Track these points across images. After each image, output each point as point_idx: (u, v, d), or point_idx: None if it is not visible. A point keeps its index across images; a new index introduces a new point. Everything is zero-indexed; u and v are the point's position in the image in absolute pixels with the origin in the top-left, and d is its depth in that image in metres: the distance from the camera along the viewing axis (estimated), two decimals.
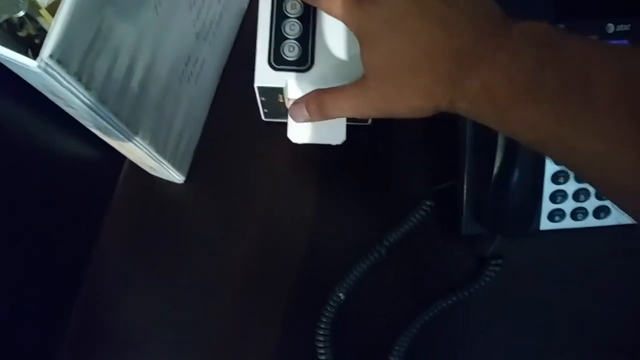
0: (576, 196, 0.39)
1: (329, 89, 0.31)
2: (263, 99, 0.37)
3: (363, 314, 0.40)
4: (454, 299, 0.40)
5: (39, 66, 0.19)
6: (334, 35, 0.34)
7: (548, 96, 0.22)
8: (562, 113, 0.22)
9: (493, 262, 0.40)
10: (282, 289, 0.40)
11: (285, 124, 0.37)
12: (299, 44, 0.35)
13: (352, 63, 0.34)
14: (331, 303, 0.39)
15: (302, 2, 0.35)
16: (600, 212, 0.39)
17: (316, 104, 0.31)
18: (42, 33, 0.23)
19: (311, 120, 0.33)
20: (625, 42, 0.37)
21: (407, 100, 0.27)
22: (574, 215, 0.39)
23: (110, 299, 0.40)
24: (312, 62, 0.35)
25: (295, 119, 0.33)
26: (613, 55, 0.22)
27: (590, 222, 0.39)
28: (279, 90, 0.36)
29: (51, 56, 0.19)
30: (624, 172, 0.21)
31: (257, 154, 0.42)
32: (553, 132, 0.22)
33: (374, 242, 0.40)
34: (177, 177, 0.39)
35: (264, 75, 0.35)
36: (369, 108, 0.29)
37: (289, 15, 0.35)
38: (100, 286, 0.40)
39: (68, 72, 0.21)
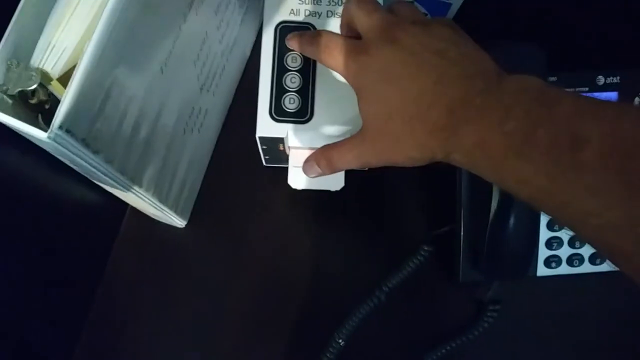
0: (572, 243, 0.39)
1: (333, 144, 0.32)
2: (264, 147, 0.38)
3: None
4: (453, 344, 0.40)
5: (49, 137, 0.20)
6: (333, 88, 0.36)
7: (540, 153, 0.22)
8: (554, 170, 0.22)
9: (491, 307, 0.40)
10: (282, 334, 0.40)
11: (286, 169, 0.38)
12: (299, 96, 0.36)
13: (350, 115, 0.35)
14: (330, 349, 0.39)
15: (303, 55, 0.36)
16: (596, 258, 0.40)
17: (325, 161, 0.32)
18: (53, 98, 0.24)
19: (323, 175, 0.34)
20: (615, 93, 0.38)
21: (404, 150, 0.28)
22: (570, 261, 0.40)
23: (113, 343, 0.40)
24: (312, 114, 0.36)
25: (309, 175, 0.34)
26: (603, 114, 0.22)
27: (586, 268, 0.40)
28: (280, 140, 0.37)
29: (61, 127, 0.20)
30: (616, 231, 0.21)
31: (258, 199, 0.43)
32: (545, 188, 0.22)
33: (373, 287, 0.40)
34: (179, 222, 0.40)
35: (266, 126, 0.36)
36: (370, 157, 0.30)
37: (289, 68, 0.36)
38: (103, 331, 0.40)
39: (76, 140, 0.22)
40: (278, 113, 0.36)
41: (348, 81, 0.31)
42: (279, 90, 0.36)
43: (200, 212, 0.42)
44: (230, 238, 0.42)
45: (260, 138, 0.36)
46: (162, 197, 0.34)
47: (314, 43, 0.33)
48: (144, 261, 0.41)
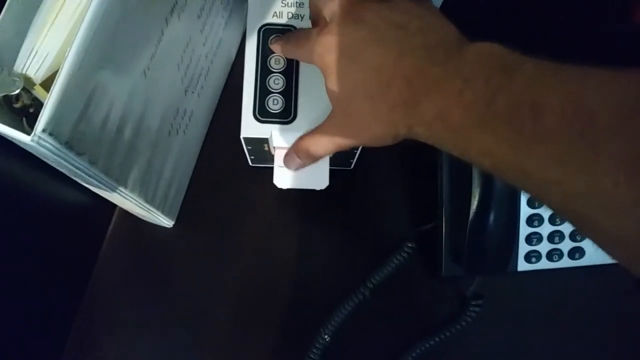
0: (551, 238, 0.40)
1: (307, 132, 0.33)
2: (249, 147, 0.39)
3: (347, 356, 0.41)
4: (437, 339, 0.41)
5: (32, 140, 0.21)
6: (316, 89, 0.36)
7: (500, 123, 0.21)
8: (516, 139, 0.21)
9: (473, 302, 0.41)
10: (269, 331, 0.41)
11: (271, 168, 0.38)
12: (282, 97, 0.37)
13: None
14: (317, 345, 0.40)
15: (286, 57, 0.37)
16: (575, 253, 0.41)
17: (303, 150, 0.33)
18: (37, 102, 0.24)
19: (304, 166, 0.34)
20: None
21: (369, 128, 0.28)
22: (550, 256, 0.41)
23: (100, 342, 0.41)
24: (295, 114, 0.36)
25: (290, 168, 0.35)
26: (564, 78, 0.21)
27: (566, 262, 0.41)
28: (265, 141, 0.37)
29: (44, 130, 0.21)
30: (581, 198, 0.20)
31: (244, 198, 0.43)
32: (508, 158, 0.22)
33: (358, 283, 0.41)
34: (166, 222, 0.41)
35: (250, 127, 0.36)
36: (341, 139, 0.30)
37: (273, 70, 0.37)
38: (91, 331, 0.40)
39: (60, 142, 0.22)
40: (262, 114, 0.37)
41: (317, 65, 0.30)
42: (262, 92, 0.37)
43: (188, 212, 0.42)
44: (217, 237, 0.43)
45: (245, 139, 0.37)
46: (148, 198, 0.35)
47: (290, 41, 0.33)
48: (132, 261, 0.42)
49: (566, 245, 0.40)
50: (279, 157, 0.38)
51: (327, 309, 0.40)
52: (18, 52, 0.23)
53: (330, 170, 0.37)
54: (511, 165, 0.22)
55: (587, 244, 0.40)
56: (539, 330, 0.42)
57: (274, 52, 0.37)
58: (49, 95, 0.21)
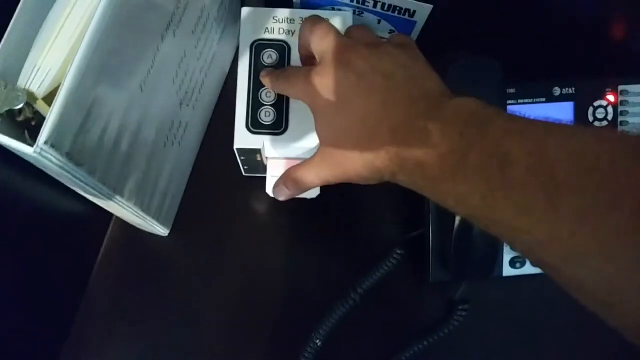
0: None
1: (296, 166, 0.34)
2: (242, 158, 0.40)
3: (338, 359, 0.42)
4: (425, 343, 0.42)
5: (35, 152, 0.22)
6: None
7: (473, 174, 0.23)
8: (485, 190, 0.23)
9: (460, 307, 0.42)
10: (262, 336, 0.42)
11: (264, 178, 0.40)
12: (274, 110, 0.38)
13: None
14: (308, 349, 0.40)
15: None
16: None
17: (291, 182, 0.34)
18: (38, 116, 0.26)
19: (293, 196, 0.35)
20: (571, 103, 0.41)
21: (356, 170, 0.29)
22: None
23: (97, 349, 0.41)
24: (287, 126, 0.38)
25: (279, 198, 0.36)
26: (530, 134, 0.23)
27: None
28: (257, 151, 0.39)
29: (46, 142, 0.22)
30: (544, 247, 0.21)
31: (237, 207, 0.45)
32: (480, 207, 0.23)
33: (348, 289, 0.42)
34: (162, 231, 0.42)
35: (243, 138, 0.38)
36: (328, 175, 0.31)
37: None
38: (87, 334, 0.41)
39: (61, 154, 0.23)
40: (255, 126, 0.38)
41: (307, 104, 0.32)
42: (255, 104, 0.38)
43: (183, 221, 0.43)
44: (211, 245, 0.44)
45: (238, 149, 0.38)
46: (145, 207, 0.36)
47: (280, 78, 0.34)
48: (129, 268, 0.43)
49: None
50: (271, 167, 0.39)
51: (319, 315, 0.41)
52: (21, 68, 0.24)
53: None
54: (483, 213, 0.24)
55: None
56: (524, 334, 0.43)
57: (266, 67, 0.39)
58: (50, 110, 0.22)
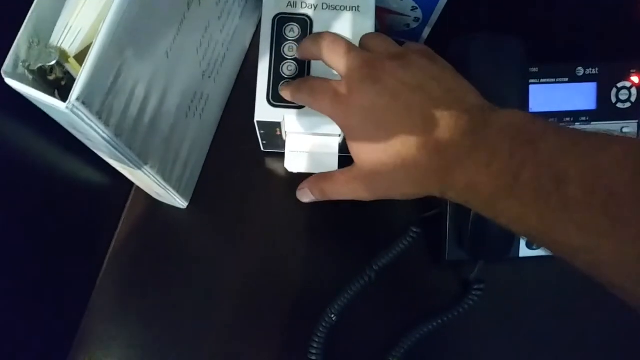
0: None
1: (327, 174, 0.33)
2: (262, 132, 0.41)
3: (353, 335, 0.42)
4: (439, 321, 0.42)
5: (67, 107, 0.22)
6: (327, 75, 0.38)
7: (527, 193, 0.23)
8: (543, 209, 0.22)
9: (475, 286, 0.42)
10: (277, 310, 0.42)
11: (283, 154, 0.40)
12: None
13: None
14: (323, 324, 0.41)
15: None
16: None
17: (318, 191, 0.34)
18: (68, 76, 0.26)
19: (315, 201, 0.35)
20: (594, 84, 0.40)
21: (400, 188, 0.29)
22: None
23: (115, 312, 0.42)
24: None
25: (302, 200, 0.36)
26: (582, 149, 0.22)
27: None
28: (277, 125, 0.39)
29: (78, 99, 0.23)
30: (608, 266, 0.21)
31: (256, 182, 0.45)
32: (537, 226, 0.23)
33: (364, 267, 0.42)
34: (181, 203, 0.42)
35: (263, 111, 0.38)
36: (364, 193, 0.31)
37: (286, 57, 0.39)
38: (107, 299, 0.42)
39: (91, 112, 0.24)
40: (275, 99, 0.38)
41: (337, 123, 0.31)
42: (276, 78, 0.38)
43: (202, 193, 0.44)
44: (229, 219, 0.44)
45: (259, 122, 0.39)
46: (166, 176, 0.36)
47: (302, 91, 0.34)
48: (147, 240, 0.43)
49: None
50: (290, 141, 0.39)
51: (334, 291, 0.41)
52: (54, 27, 0.25)
53: (340, 157, 0.39)
54: (540, 232, 0.23)
55: None
56: (538, 315, 0.43)
57: (288, 40, 0.39)
58: (82, 67, 0.23)
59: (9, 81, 0.23)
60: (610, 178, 0.21)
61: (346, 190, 0.32)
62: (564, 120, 0.40)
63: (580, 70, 0.40)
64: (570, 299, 0.43)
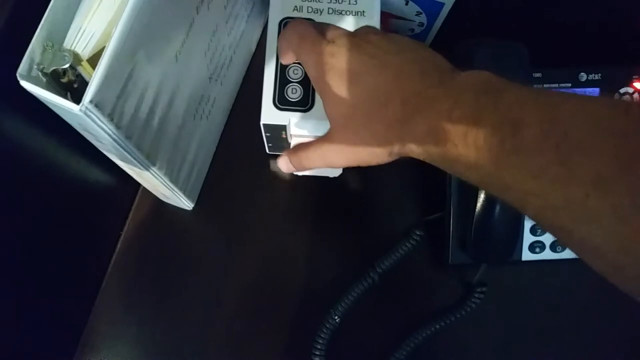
0: None
1: (304, 143, 0.34)
2: (268, 134, 0.41)
3: (356, 336, 0.42)
4: (442, 323, 0.42)
5: (80, 110, 0.23)
6: None
7: (483, 139, 0.23)
8: (497, 154, 0.23)
9: (478, 289, 0.42)
10: (281, 311, 0.43)
11: None
12: (301, 87, 0.39)
13: None
14: (327, 325, 0.41)
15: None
16: None
17: (295, 158, 0.35)
18: (80, 79, 0.26)
19: (294, 171, 0.36)
20: (596, 89, 0.41)
21: (366, 146, 0.30)
22: (553, 247, 0.42)
23: (121, 312, 0.43)
24: (313, 103, 0.38)
25: (281, 169, 0.36)
26: (544, 101, 0.23)
27: (569, 253, 0.42)
28: (283, 128, 0.39)
29: (91, 101, 0.23)
30: (556, 210, 0.22)
31: (260, 184, 0.45)
32: (490, 172, 0.23)
33: (367, 269, 0.43)
34: (187, 204, 0.43)
35: (270, 114, 0.38)
36: (336, 157, 0.32)
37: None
38: (113, 300, 0.42)
39: (103, 114, 0.24)
40: (281, 102, 0.39)
41: (313, 83, 0.32)
42: (282, 81, 0.39)
43: (207, 195, 0.44)
44: (233, 220, 0.45)
45: (265, 125, 0.39)
46: (173, 177, 0.37)
47: (297, 34, 0.34)
48: (153, 240, 0.44)
49: None
50: (295, 144, 0.40)
51: (338, 293, 0.42)
52: (67, 31, 0.25)
53: None
54: (493, 178, 0.24)
55: None
56: (540, 319, 0.43)
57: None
58: (96, 70, 0.23)
59: (24, 84, 0.23)
60: (565, 124, 0.21)
61: (317, 155, 0.33)
62: None
63: (583, 76, 0.41)
64: (573, 302, 0.43)
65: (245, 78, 0.47)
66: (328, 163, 0.33)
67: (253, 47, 0.47)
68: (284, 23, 0.40)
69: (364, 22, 0.40)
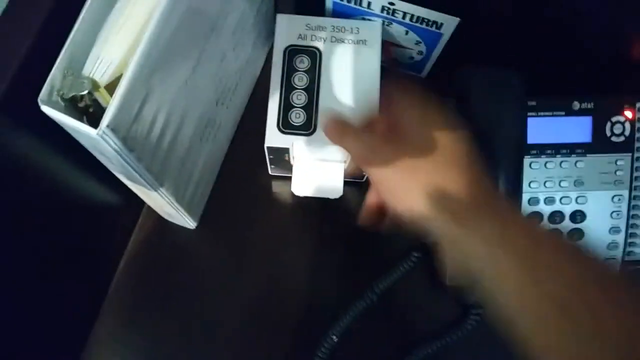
0: None
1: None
2: (271, 156, 0.42)
3: (354, 356, 0.43)
4: (439, 344, 0.43)
5: (97, 134, 0.24)
6: (335, 104, 0.40)
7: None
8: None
9: (474, 311, 0.43)
10: (281, 330, 0.43)
11: (290, 177, 0.42)
12: (304, 112, 0.40)
13: None
14: (325, 345, 0.42)
15: (308, 75, 0.40)
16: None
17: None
18: (96, 104, 0.28)
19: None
20: (589, 118, 0.42)
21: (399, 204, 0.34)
22: None
23: (122, 337, 0.43)
24: (315, 127, 0.40)
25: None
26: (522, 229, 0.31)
27: None
28: (286, 150, 0.41)
29: (108, 126, 0.24)
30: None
31: (263, 204, 0.46)
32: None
33: (366, 289, 0.43)
34: (190, 223, 0.44)
35: (273, 137, 0.40)
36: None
37: (296, 86, 0.41)
38: (115, 317, 0.43)
39: (118, 138, 0.25)
40: (285, 126, 0.40)
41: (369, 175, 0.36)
42: (286, 106, 0.40)
43: (210, 214, 0.45)
44: (236, 240, 0.45)
45: (268, 148, 0.40)
46: (179, 198, 0.38)
47: (348, 136, 0.35)
48: (156, 259, 0.45)
49: None
50: (297, 166, 0.41)
51: (337, 312, 0.42)
52: (86, 60, 0.27)
53: (344, 182, 0.41)
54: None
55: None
56: None
57: (298, 70, 0.41)
58: (113, 97, 0.24)
59: (45, 108, 0.25)
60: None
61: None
62: (561, 152, 0.42)
63: (576, 105, 0.42)
64: None
65: (249, 102, 0.48)
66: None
67: (257, 73, 0.49)
68: (289, 51, 0.41)
69: (366, 51, 0.41)
